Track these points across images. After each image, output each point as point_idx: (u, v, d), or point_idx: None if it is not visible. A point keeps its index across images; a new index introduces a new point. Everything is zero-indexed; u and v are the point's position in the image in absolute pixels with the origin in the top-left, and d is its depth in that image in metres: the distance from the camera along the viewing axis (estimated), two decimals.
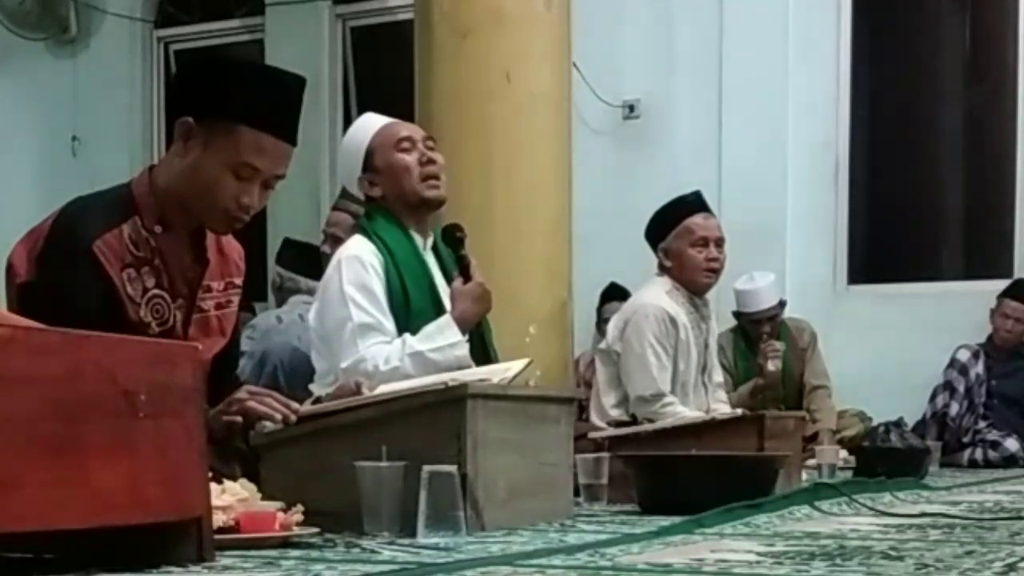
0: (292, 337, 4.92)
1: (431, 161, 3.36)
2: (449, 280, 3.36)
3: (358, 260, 3.27)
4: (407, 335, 3.22)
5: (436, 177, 3.36)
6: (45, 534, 1.78)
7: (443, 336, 3.21)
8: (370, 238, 3.33)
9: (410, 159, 3.35)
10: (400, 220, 3.36)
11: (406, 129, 3.44)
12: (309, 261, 5.25)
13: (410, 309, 3.27)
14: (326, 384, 3.24)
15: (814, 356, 6.48)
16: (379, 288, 3.26)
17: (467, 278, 3.34)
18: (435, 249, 3.43)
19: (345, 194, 5.29)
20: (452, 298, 3.30)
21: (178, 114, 2.66)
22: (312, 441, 2.61)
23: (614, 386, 4.42)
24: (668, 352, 4.34)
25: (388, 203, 3.38)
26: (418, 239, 3.38)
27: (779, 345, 6.05)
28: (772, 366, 5.98)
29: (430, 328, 3.23)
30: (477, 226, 3.80)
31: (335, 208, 4.91)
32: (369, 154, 3.40)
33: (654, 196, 4.69)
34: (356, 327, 3.21)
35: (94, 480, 1.77)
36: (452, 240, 3.41)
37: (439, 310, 3.30)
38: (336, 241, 4.66)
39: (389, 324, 3.24)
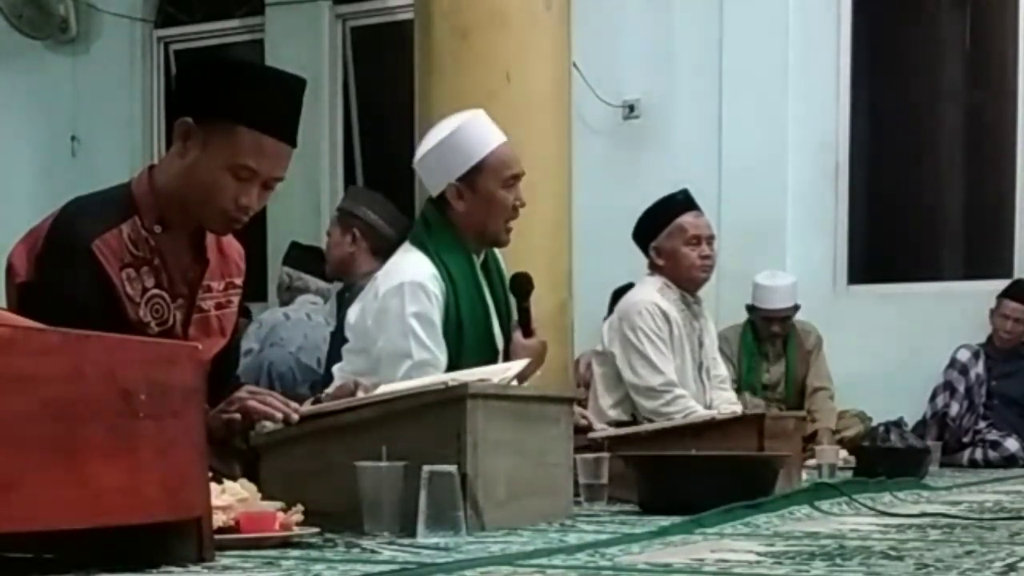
0: (298, 334, 4.95)
1: (518, 207, 3.36)
2: (496, 295, 3.38)
3: (423, 289, 3.24)
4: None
5: (514, 220, 3.38)
6: (45, 534, 1.79)
7: None
8: (431, 258, 3.30)
9: (509, 200, 3.33)
10: (464, 241, 3.35)
11: (517, 164, 3.37)
12: (315, 262, 5.29)
13: (462, 339, 3.28)
14: None
15: (818, 359, 6.50)
16: (438, 318, 3.25)
17: (526, 330, 3.38)
18: (484, 265, 3.42)
19: (354, 195, 5.30)
20: (513, 351, 3.33)
21: (178, 114, 2.66)
22: (312, 441, 2.61)
23: (612, 387, 4.43)
24: (666, 344, 4.36)
25: (460, 220, 3.34)
26: (474, 257, 3.38)
27: None
28: None
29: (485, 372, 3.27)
30: None
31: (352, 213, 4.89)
32: (476, 169, 3.32)
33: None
34: (415, 365, 3.20)
35: (94, 480, 1.77)
36: (520, 291, 3.42)
37: (490, 338, 3.34)
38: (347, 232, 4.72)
39: (443, 357, 3.24)
